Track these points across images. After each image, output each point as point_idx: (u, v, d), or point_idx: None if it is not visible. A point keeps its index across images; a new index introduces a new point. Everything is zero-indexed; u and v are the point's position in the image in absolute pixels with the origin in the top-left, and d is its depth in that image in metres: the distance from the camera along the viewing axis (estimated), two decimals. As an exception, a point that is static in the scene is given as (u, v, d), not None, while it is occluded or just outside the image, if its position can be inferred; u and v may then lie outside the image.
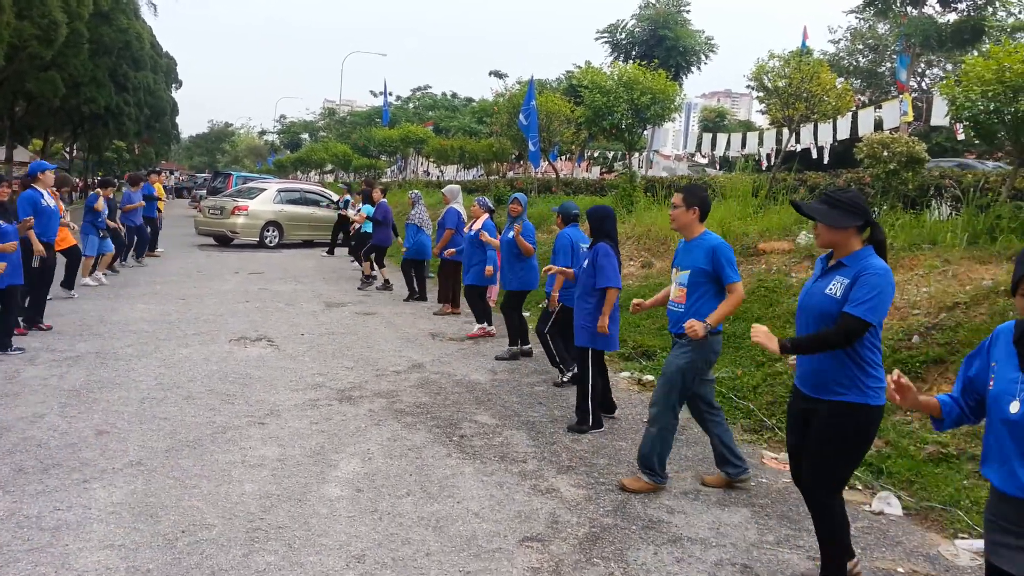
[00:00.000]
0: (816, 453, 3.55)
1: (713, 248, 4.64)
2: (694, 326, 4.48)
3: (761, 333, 3.48)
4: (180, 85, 49.45)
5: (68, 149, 45.14)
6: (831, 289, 3.45)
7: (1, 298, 7.20)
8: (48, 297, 8.78)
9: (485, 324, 9.40)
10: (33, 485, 4.38)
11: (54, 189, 10.32)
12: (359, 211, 15.09)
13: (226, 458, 4.97)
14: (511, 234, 8.26)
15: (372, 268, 13.47)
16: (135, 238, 14.83)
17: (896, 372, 2.71)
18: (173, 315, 9.83)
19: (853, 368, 3.43)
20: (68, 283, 10.56)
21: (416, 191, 12.70)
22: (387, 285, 13.16)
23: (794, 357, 4.07)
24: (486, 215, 9.48)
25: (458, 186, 11.60)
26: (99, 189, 12.70)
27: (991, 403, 2.44)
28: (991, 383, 2.47)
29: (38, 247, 7.92)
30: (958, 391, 2.68)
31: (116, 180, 14.91)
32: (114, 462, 4.80)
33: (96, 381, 6.58)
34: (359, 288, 13.15)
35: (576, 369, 6.18)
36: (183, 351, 7.85)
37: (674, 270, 4.87)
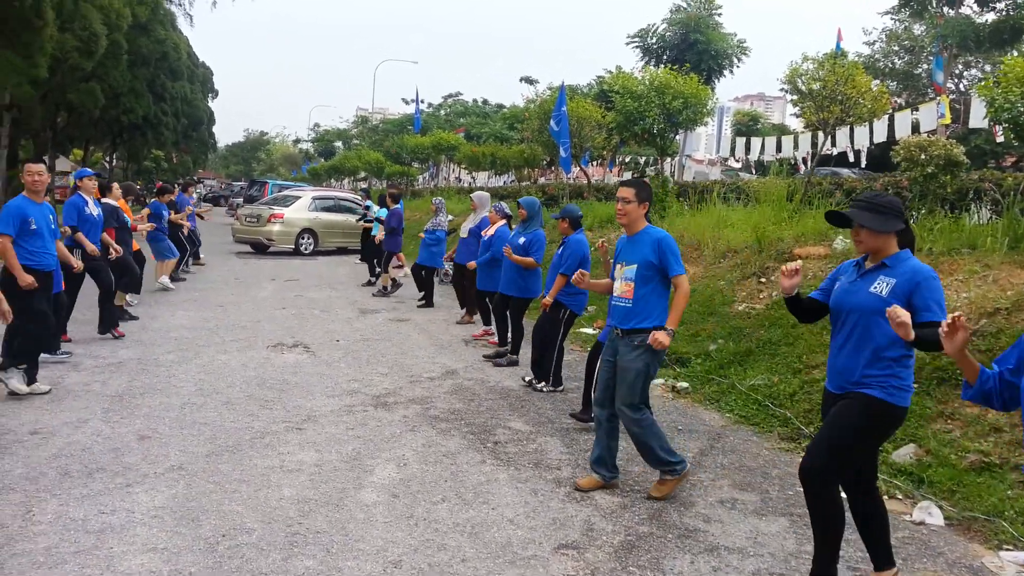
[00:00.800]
0: (826, 435, 3.56)
1: (659, 240, 4.64)
2: (658, 338, 4.56)
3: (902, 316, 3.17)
4: (216, 95, 50.28)
5: (108, 158, 46.06)
6: (876, 288, 3.45)
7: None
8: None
9: (492, 327, 9.48)
10: (78, 489, 4.48)
11: (122, 199, 10.52)
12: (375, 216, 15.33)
13: (265, 463, 5.04)
14: (521, 240, 8.15)
15: (393, 276, 13.65)
16: (188, 244, 15.18)
17: (959, 315, 2.79)
18: (212, 322, 9.99)
19: (887, 366, 3.44)
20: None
21: (440, 199, 12.75)
22: (395, 284, 13.42)
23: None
24: (502, 221, 9.51)
25: (487, 193, 11.62)
26: (159, 196, 13.03)
27: None
28: None
29: (73, 259, 7.94)
30: (1007, 369, 2.74)
31: (175, 186, 15.42)
32: (156, 466, 4.89)
33: (138, 387, 6.71)
34: (375, 295, 13.31)
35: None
36: (222, 357, 7.98)
37: (618, 266, 4.83)
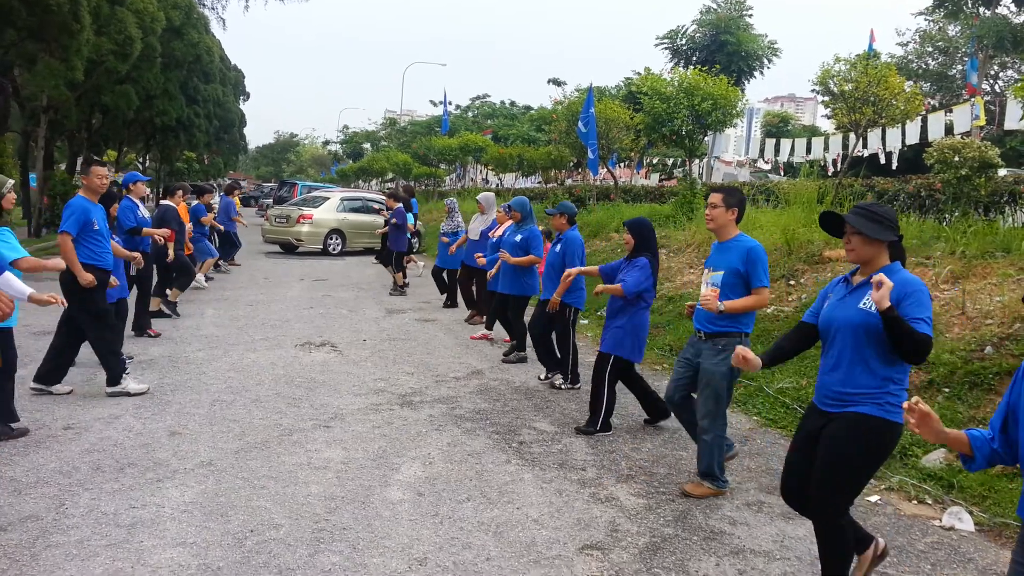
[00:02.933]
0: (830, 469, 3.40)
1: (749, 249, 4.66)
2: (708, 298, 4.56)
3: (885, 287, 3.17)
4: (248, 97, 50.76)
5: (141, 159, 46.72)
6: (865, 303, 3.33)
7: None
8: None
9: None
10: (110, 483, 4.56)
11: (179, 198, 10.63)
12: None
13: (292, 460, 5.09)
14: (517, 238, 8.26)
15: (404, 276, 13.78)
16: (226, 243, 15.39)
17: (915, 398, 2.51)
18: (241, 320, 10.11)
19: (880, 382, 3.32)
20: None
21: (452, 199, 12.75)
22: (403, 288, 13.51)
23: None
24: (511, 221, 9.50)
25: (493, 194, 11.50)
26: (199, 197, 13.31)
27: None
28: None
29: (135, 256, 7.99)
30: (997, 426, 2.47)
31: (213, 187, 15.62)
32: (186, 462, 4.96)
33: (169, 384, 6.81)
34: (391, 293, 13.42)
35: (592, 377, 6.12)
36: (251, 355, 8.07)
37: (706, 271, 4.84)
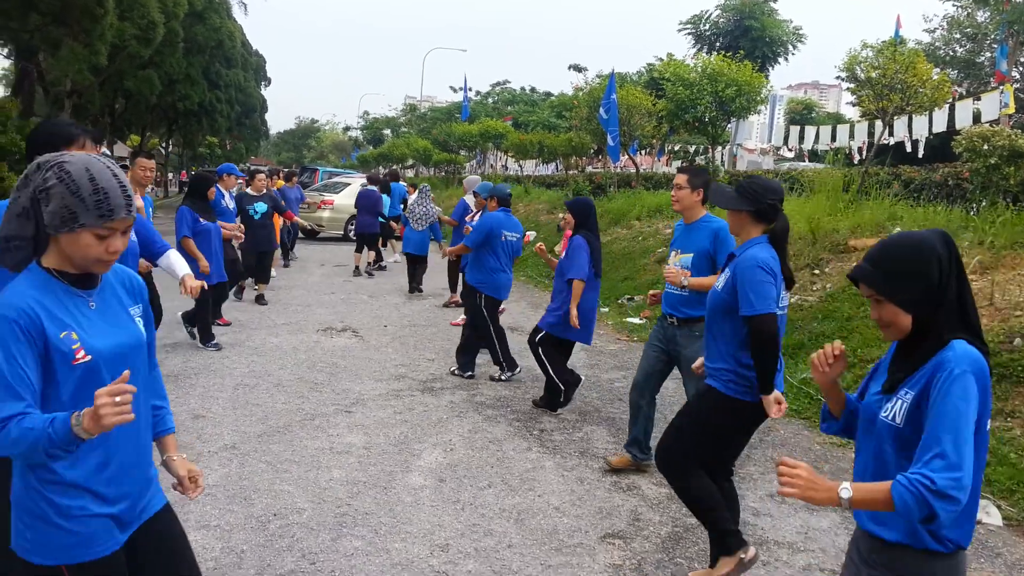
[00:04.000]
0: (674, 422, 3.65)
1: (718, 229, 4.59)
2: (673, 272, 4.52)
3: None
4: (269, 83, 51.02)
5: (164, 144, 47.06)
6: (720, 281, 3.43)
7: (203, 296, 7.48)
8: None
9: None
10: (136, 465, 4.60)
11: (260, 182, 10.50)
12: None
13: (315, 444, 5.12)
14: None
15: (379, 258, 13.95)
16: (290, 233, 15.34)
17: (838, 343, 2.38)
18: (264, 305, 10.16)
19: (725, 361, 3.42)
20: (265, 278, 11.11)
21: (425, 185, 12.63)
22: (357, 272, 13.62)
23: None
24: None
25: (478, 176, 11.27)
26: (288, 180, 13.40)
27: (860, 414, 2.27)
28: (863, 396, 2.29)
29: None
30: (853, 397, 2.52)
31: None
32: (210, 445, 5.00)
33: (192, 368, 6.86)
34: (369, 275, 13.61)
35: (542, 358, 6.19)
36: (273, 340, 8.11)
37: (673, 253, 4.76)
